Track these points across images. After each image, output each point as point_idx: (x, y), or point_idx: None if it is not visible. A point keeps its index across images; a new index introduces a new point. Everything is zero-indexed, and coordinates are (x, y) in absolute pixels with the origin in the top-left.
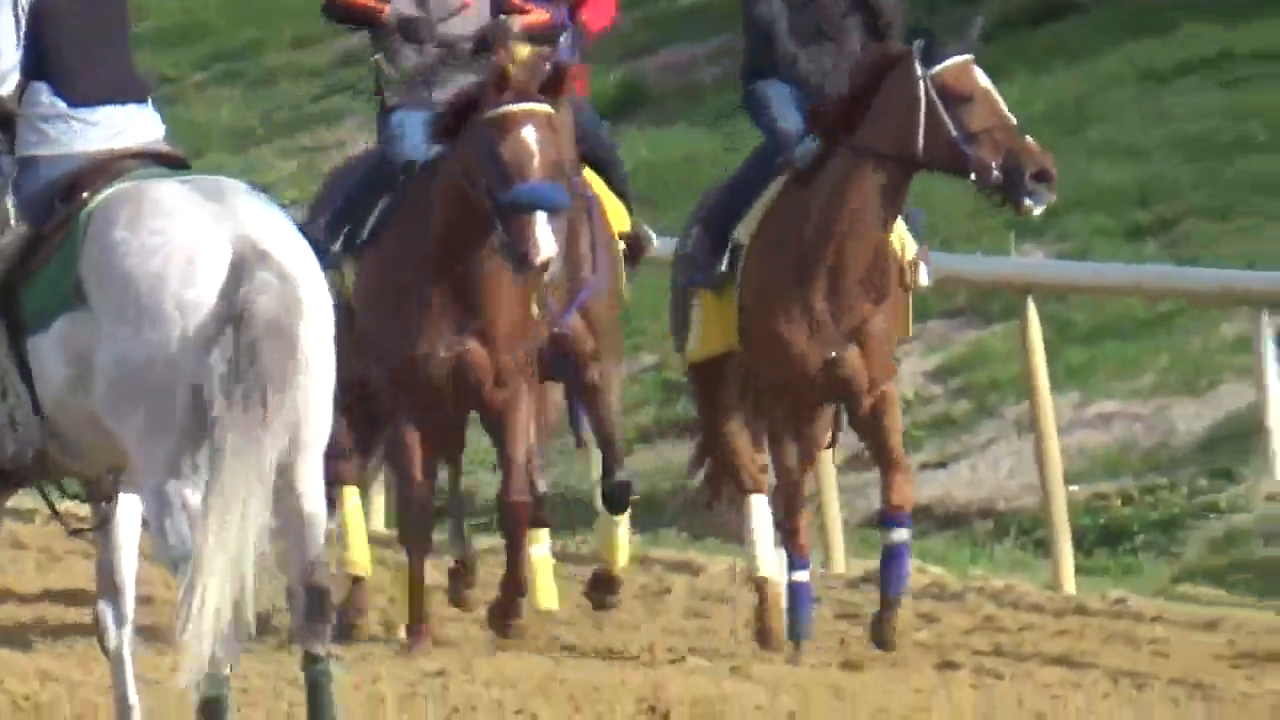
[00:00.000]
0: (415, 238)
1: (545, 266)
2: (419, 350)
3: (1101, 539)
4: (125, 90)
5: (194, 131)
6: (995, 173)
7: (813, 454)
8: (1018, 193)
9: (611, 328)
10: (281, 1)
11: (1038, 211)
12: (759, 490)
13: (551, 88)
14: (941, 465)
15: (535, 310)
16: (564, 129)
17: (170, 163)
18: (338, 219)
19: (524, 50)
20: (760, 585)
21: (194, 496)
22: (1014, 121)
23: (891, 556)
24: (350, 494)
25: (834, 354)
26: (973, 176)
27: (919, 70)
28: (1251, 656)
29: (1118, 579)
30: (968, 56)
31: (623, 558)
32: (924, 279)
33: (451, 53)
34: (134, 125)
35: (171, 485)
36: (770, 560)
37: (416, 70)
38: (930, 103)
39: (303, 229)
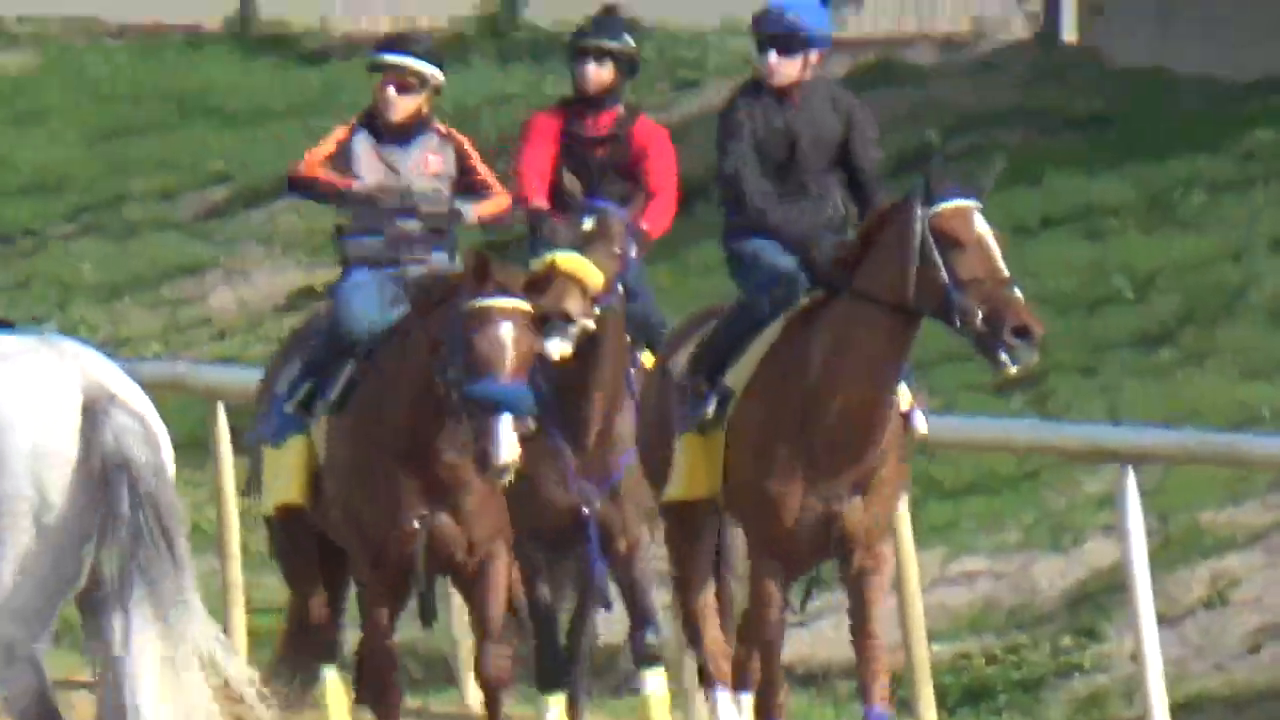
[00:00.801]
0: (383, 410)
1: (506, 469)
2: (389, 524)
3: (965, 698)
4: None
5: (58, 284)
6: (980, 324)
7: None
8: (994, 347)
9: (642, 497)
10: (145, 154)
11: (1013, 370)
12: (724, 681)
13: (535, 285)
14: (802, 624)
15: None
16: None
17: None
18: (301, 381)
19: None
20: None
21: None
22: (1006, 274)
23: None
24: (330, 671)
25: (835, 507)
26: (958, 325)
27: (917, 211)
28: None
29: None
30: (968, 202)
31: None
32: (921, 428)
33: (408, 237)
34: None
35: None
36: None
37: (375, 248)
38: (925, 246)
39: (261, 391)
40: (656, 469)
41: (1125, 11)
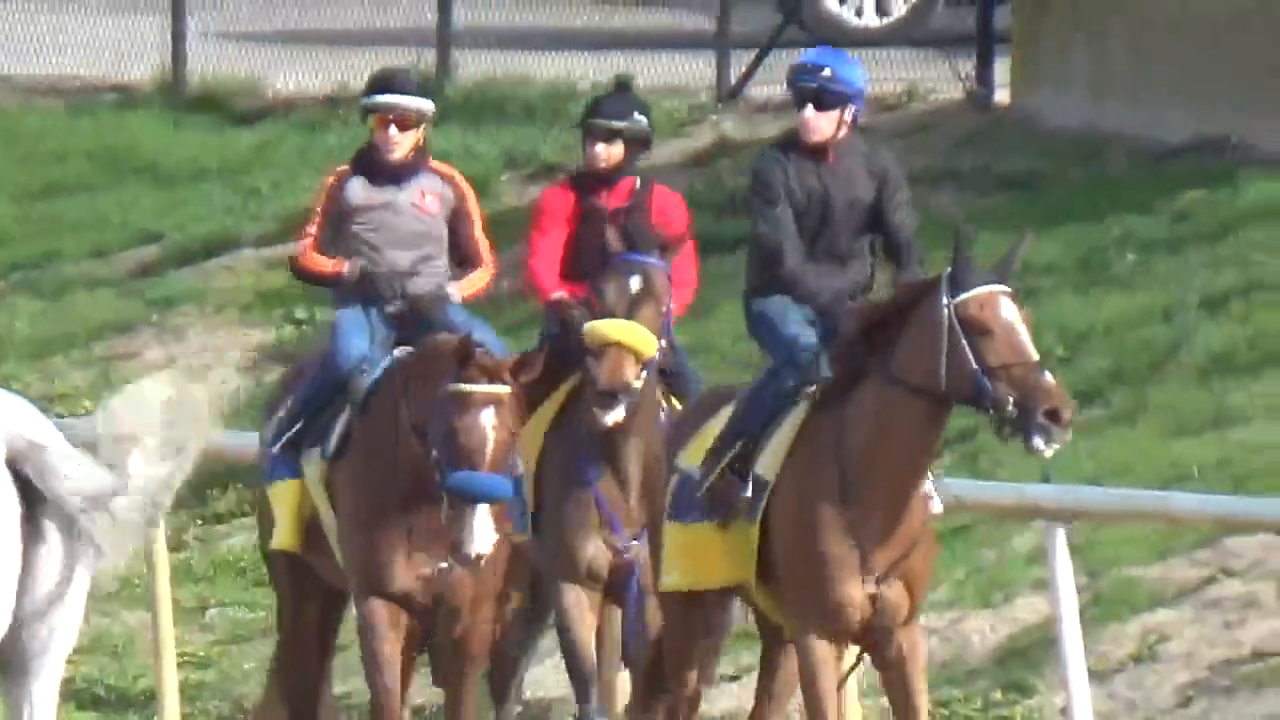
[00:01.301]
0: (385, 458)
1: (480, 560)
2: (402, 573)
3: None
4: None
5: None
6: (1011, 409)
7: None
8: (1028, 432)
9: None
10: (78, 212)
11: (1048, 453)
12: None
13: (523, 370)
14: (735, 678)
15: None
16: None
17: None
18: (289, 423)
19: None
20: None
21: None
22: (1035, 358)
23: None
24: None
25: (879, 589)
26: (991, 412)
27: (944, 299)
28: None
29: None
30: (994, 287)
31: None
32: (937, 508)
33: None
34: None
35: None
36: None
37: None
38: (953, 334)
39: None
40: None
41: (1057, 75)
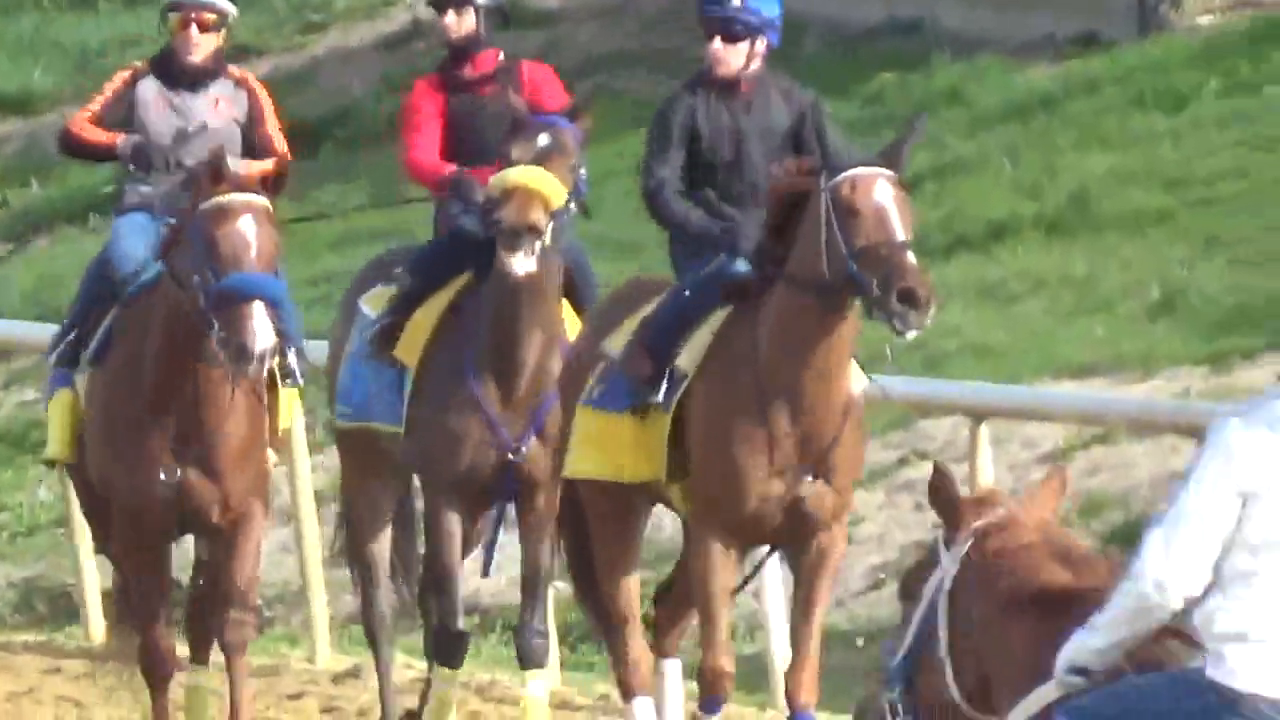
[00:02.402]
0: (136, 363)
1: (263, 358)
2: (138, 479)
3: (588, 634)
4: None
5: None
6: (876, 290)
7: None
8: (886, 313)
9: (561, 444)
10: None
11: (909, 335)
12: (645, 692)
13: (272, 183)
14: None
15: (270, 430)
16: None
17: None
18: (63, 332)
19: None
20: None
21: None
22: (900, 237)
23: None
24: None
25: (795, 490)
26: (861, 295)
27: (822, 184)
28: None
29: (603, 674)
30: (867, 169)
31: None
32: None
33: (186, 179)
34: None
35: None
36: None
37: (151, 196)
38: (829, 218)
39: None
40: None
41: None
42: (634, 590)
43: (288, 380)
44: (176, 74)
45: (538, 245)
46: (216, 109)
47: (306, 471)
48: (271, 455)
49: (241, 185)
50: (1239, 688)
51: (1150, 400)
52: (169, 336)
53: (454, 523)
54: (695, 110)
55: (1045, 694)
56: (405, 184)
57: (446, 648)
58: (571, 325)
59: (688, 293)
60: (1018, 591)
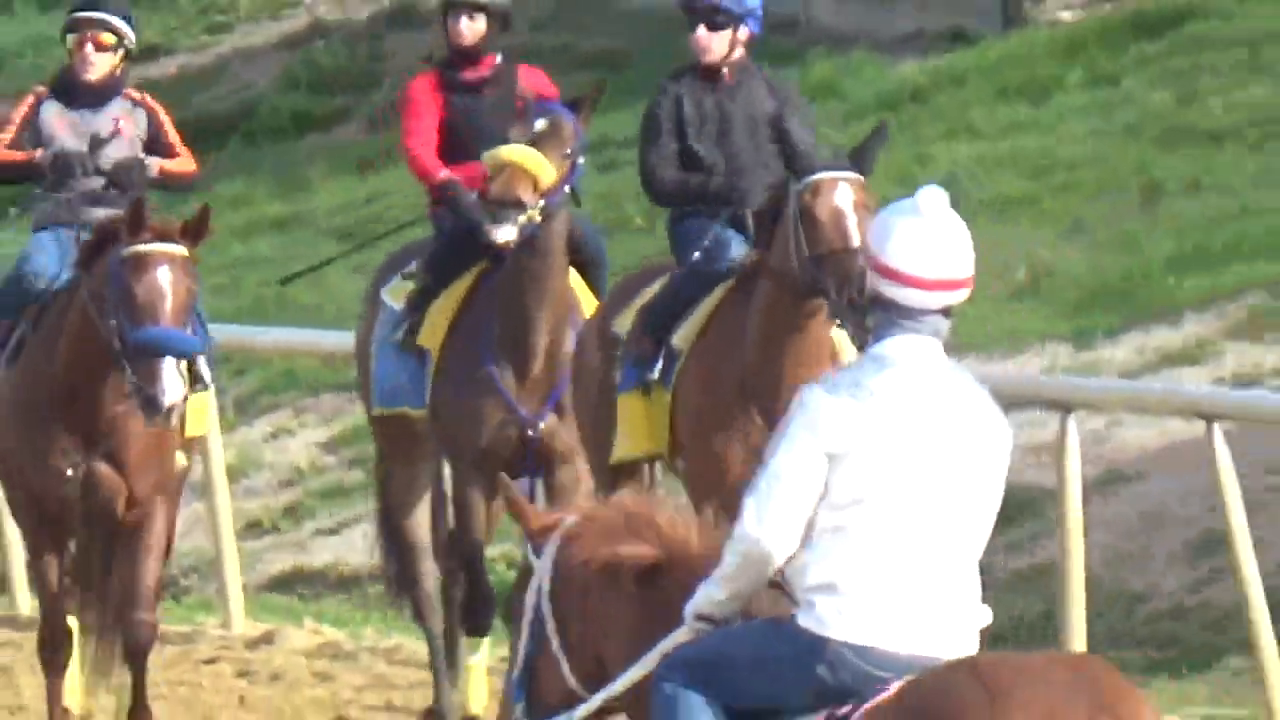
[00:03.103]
0: (46, 362)
1: (172, 412)
2: (44, 471)
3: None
4: None
5: None
6: (833, 295)
7: None
8: (842, 319)
9: (575, 420)
10: None
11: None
12: None
13: (193, 231)
14: (334, 532)
15: (176, 426)
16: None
17: None
18: None
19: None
20: None
21: None
22: (855, 244)
23: None
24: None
25: None
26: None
27: (791, 188)
28: None
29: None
30: (830, 173)
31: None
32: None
33: (94, 195)
34: None
35: None
36: None
37: (60, 208)
38: (795, 221)
39: None
40: (601, 428)
41: None
42: None
43: (197, 386)
44: (76, 93)
45: (520, 218)
46: (117, 126)
47: (219, 445)
48: (181, 458)
49: (161, 234)
50: (825, 634)
51: (1018, 375)
52: (79, 342)
53: (479, 497)
54: (681, 98)
55: (675, 638)
56: (315, 177)
57: (476, 616)
58: (587, 306)
59: (684, 274)
60: (611, 574)
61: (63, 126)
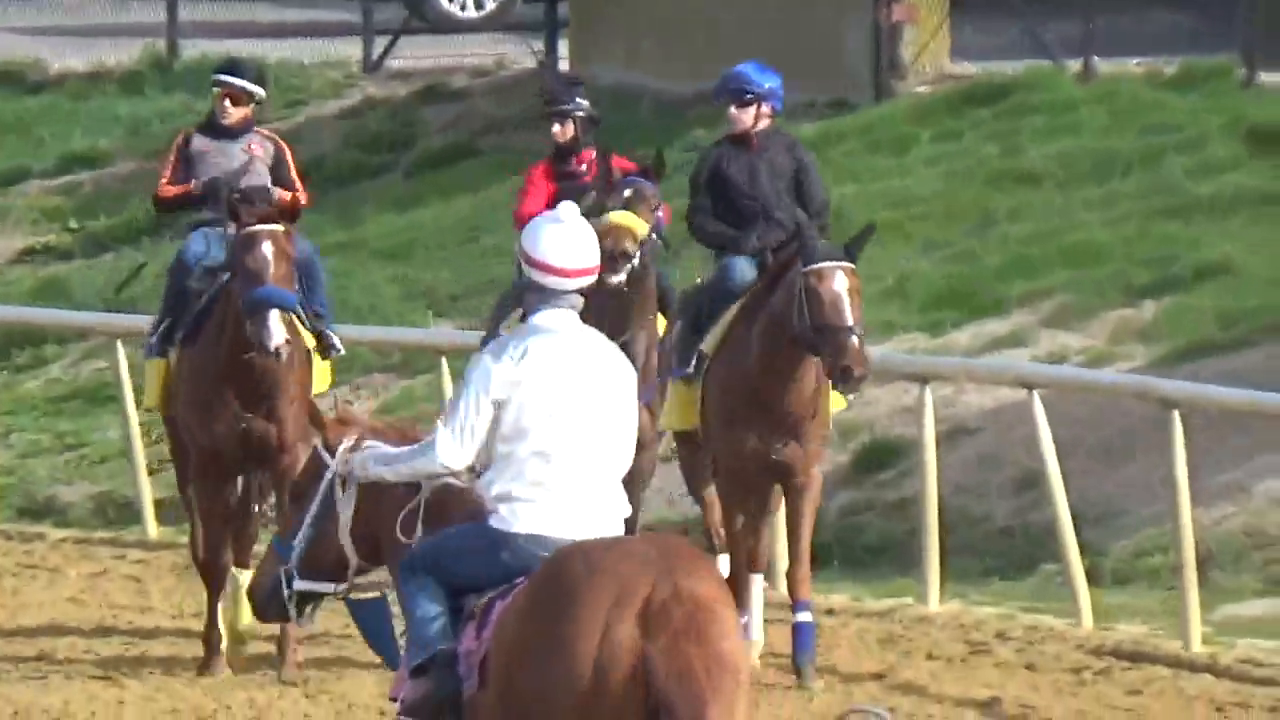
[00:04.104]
0: (214, 342)
1: (280, 352)
2: (218, 426)
3: None
4: None
5: None
6: (827, 360)
7: (760, 519)
8: (833, 380)
9: (651, 436)
10: None
11: (848, 398)
12: (723, 546)
13: (288, 214)
14: None
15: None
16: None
17: None
18: (161, 316)
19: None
20: None
21: None
22: (848, 323)
23: (801, 633)
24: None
25: (776, 451)
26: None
27: (799, 268)
28: None
29: None
30: (833, 263)
31: None
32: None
33: (244, 198)
34: None
35: None
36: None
37: (209, 216)
38: (800, 295)
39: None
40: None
41: (603, 49)
42: (711, 496)
43: (329, 353)
44: (219, 130)
45: (629, 266)
46: (249, 149)
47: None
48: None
49: (265, 217)
50: (506, 530)
51: (888, 355)
52: (236, 326)
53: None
54: (721, 159)
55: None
56: (366, 213)
57: None
58: (662, 327)
59: (709, 295)
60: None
61: (208, 152)
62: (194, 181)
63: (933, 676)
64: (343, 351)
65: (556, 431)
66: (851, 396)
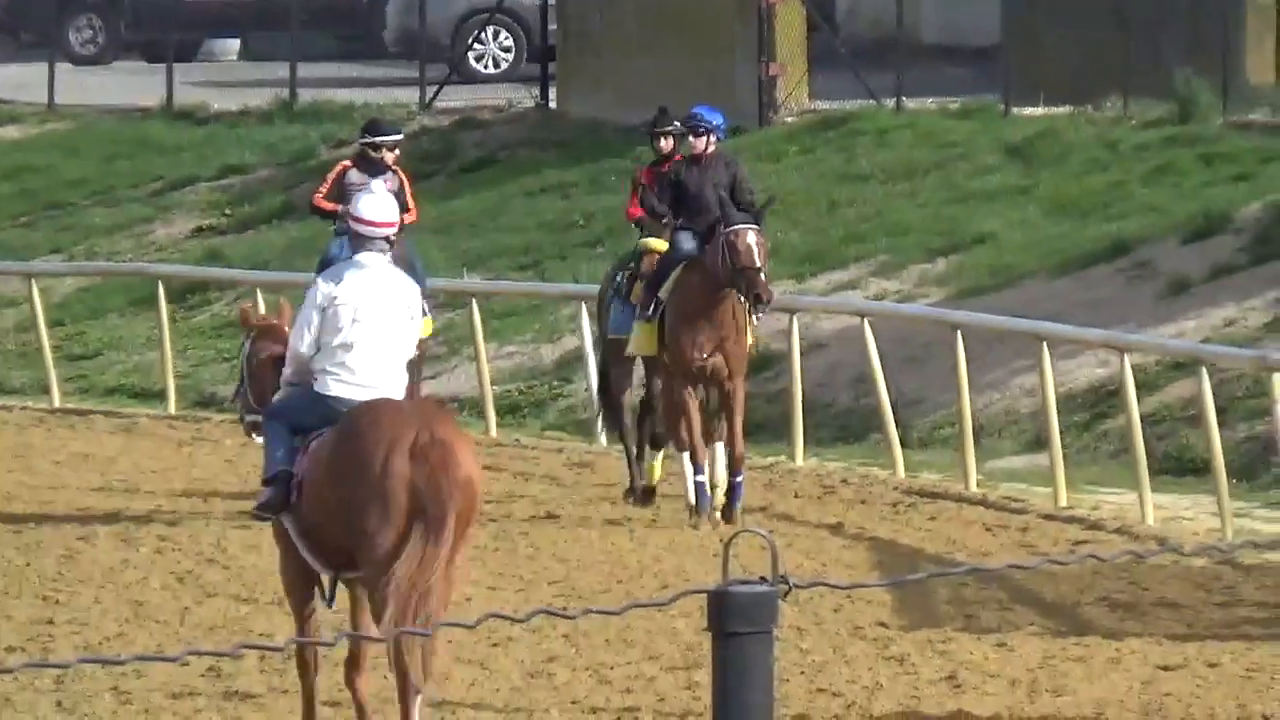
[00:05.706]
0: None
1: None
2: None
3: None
4: None
5: None
6: (745, 292)
7: (698, 411)
8: (748, 303)
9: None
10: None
11: (759, 316)
12: (681, 449)
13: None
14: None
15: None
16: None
17: None
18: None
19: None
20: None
21: None
22: (757, 265)
23: (733, 489)
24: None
25: (710, 360)
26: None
27: (721, 229)
28: None
29: None
30: (745, 225)
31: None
32: (755, 322)
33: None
34: None
35: None
36: (690, 485)
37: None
38: (722, 248)
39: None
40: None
41: (581, 88)
42: (685, 405)
43: (757, 309)
44: (370, 166)
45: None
46: (386, 183)
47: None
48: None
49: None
50: (324, 393)
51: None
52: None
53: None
54: (680, 171)
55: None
56: (422, 205)
57: (656, 440)
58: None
59: (666, 260)
60: (269, 352)
61: (359, 183)
62: (342, 208)
63: (799, 509)
64: (429, 314)
65: (357, 330)
66: (758, 318)
